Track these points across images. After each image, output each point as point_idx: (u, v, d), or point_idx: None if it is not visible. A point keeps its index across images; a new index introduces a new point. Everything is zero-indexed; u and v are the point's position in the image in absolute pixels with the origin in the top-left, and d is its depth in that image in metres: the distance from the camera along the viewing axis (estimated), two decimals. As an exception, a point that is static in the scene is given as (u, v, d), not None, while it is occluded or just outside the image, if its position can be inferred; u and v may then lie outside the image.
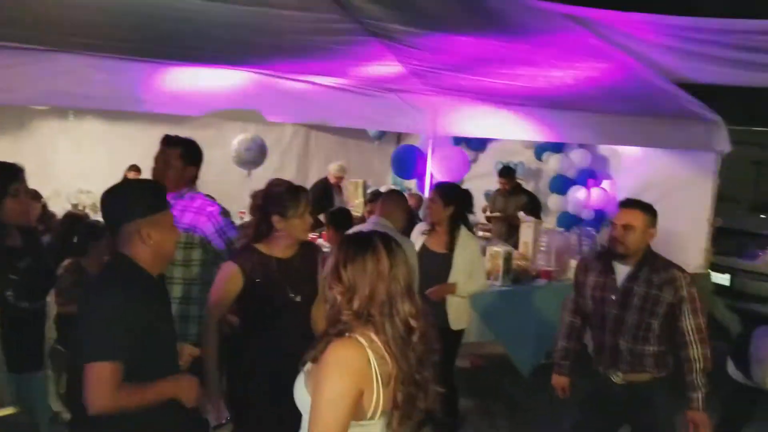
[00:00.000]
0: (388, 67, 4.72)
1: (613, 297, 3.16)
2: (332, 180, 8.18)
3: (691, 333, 3.05)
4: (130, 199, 2.22)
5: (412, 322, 1.91)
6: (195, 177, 3.42)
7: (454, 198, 4.13)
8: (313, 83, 4.29)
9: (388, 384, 1.86)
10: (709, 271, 6.30)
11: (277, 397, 2.47)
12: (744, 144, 9.23)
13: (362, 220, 6.94)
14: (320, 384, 1.82)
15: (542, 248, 5.76)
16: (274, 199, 2.90)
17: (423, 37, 5.28)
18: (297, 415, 1.97)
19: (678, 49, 5.75)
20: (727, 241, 6.96)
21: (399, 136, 9.24)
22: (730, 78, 5.97)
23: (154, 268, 2.24)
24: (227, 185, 7.60)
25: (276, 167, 8.91)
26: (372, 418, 1.86)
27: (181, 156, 3.30)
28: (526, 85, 5.32)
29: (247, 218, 6.99)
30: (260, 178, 7.96)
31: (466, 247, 4.10)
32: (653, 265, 3.13)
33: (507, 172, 7.32)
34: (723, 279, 7.00)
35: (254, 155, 7.16)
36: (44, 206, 5.57)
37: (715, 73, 5.83)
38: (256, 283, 2.86)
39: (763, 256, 7.02)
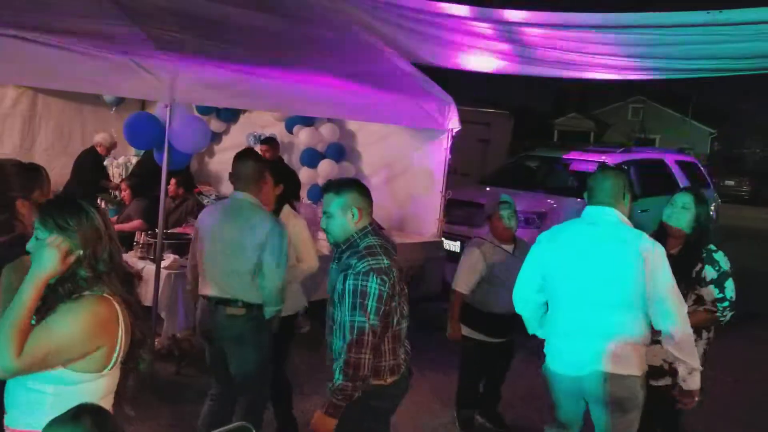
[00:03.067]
0: (120, 27, 4.33)
1: None
2: (102, 151, 7.63)
3: None
4: None
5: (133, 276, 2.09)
6: None
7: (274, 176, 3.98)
8: (32, 41, 3.75)
9: (128, 333, 1.97)
10: (443, 239, 6.90)
11: None
12: (472, 123, 10.26)
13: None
14: (58, 323, 1.83)
15: (292, 221, 5.81)
16: (16, 181, 2.50)
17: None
18: None
19: (415, 31, 6.15)
20: (457, 211, 7.66)
21: (143, 103, 8.60)
22: (458, 62, 6.55)
23: None
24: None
25: (-6, 134, 7.83)
26: (112, 368, 1.95)
27: None
28: (275, 56, 5.28)
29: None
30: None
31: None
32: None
33: (269, 141, 7.20)
34: (454, 246, 7.67)
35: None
36: None
37: (447, 56, 6.36)
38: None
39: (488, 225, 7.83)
